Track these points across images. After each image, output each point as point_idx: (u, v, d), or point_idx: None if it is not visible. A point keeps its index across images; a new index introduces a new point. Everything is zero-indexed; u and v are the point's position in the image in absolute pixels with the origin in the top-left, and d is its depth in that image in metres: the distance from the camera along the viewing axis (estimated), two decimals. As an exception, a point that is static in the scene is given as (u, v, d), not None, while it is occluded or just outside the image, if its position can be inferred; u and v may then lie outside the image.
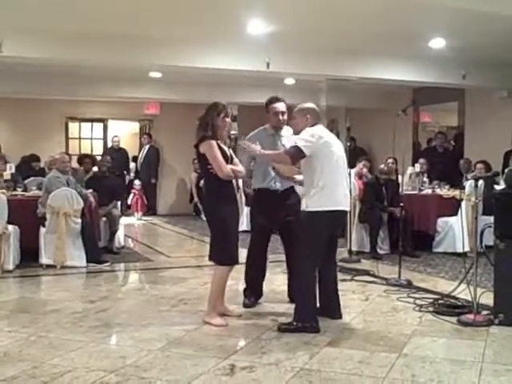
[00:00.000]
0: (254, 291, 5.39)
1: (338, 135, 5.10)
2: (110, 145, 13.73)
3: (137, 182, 13.04)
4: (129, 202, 12.84)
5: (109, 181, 8.74)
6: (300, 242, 4.60)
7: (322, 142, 4.48)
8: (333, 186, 4.48)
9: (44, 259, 6.96)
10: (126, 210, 12.44)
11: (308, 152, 4.42)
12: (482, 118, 10.67)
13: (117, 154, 12.49)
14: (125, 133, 15.97)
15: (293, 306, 4.61)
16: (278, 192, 5.21)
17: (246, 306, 5.26)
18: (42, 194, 7.31)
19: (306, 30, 7.29)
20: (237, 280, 5.85)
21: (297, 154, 4.46)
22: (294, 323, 4.46)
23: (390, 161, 8.86)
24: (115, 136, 13.57)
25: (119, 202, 8.76)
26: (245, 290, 5.42)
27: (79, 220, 7.06)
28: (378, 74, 9.07)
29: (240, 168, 4.75)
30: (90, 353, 3.96)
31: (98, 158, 10.47)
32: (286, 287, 5.48)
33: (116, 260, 7.57)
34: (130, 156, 13.88)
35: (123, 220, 8.96)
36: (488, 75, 9.37)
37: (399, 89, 10.84)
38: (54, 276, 6.63)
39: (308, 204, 4.52)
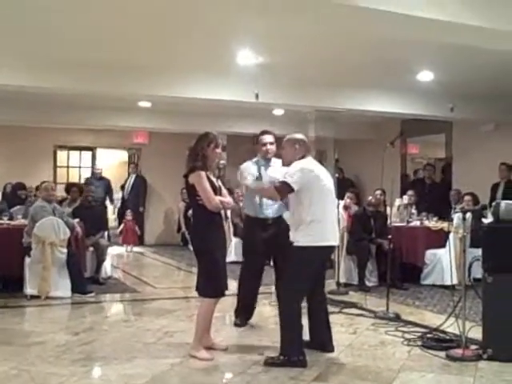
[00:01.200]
0: (245, 312, 5.62)
1: (325, 166, 5.13)
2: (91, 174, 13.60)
3: (128, 213, 12.85)
4: (118, 231, 12.68)
5: (95, 210, 8.67)
6: (286, 276, 4.57)
7: (312, 176, 4.46)
8: (321, 221, 4.43)
9: (28, 289, 6.85)
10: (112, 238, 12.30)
11: (297, 187, 4.39)
12: (469, 151, 10.76)
13: (98, 183, 12.31)
14: (113, 161, 15.98)
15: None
16: (267, 220, 5.41)
17: (236, 325, 5.54)
18: (27, 223, 7.24)
19: (295, 62, 7.35)
20: (223, 312, 5.79)
21: (285, 190, 4.44)
22: (281, 357, 4.39)
23: (378, 192, 8.86)
24: (97, 164, 13.53)
25: (106, 232, 8.68)
26: (236, 310, 5.62)
27: (65, 250, 6.98)
28: (366, 106, 9.15)
29: (228, 199, 4.75)
30: (72, 387, 3.88)
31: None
32: (275, 319, 5.43)
33: (102, 290, 7.47)
34: (117, 185, 13.80)
35: (110, 250, 8.87)
36: (475, 108, 9.47)
37: (387, 120, 10.94)
38: (38, 307, 6.52)
39: (296, 238, 4.47)
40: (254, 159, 5.68)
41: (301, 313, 4.48)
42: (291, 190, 4.41)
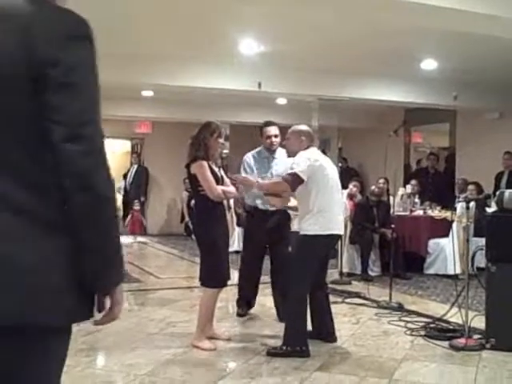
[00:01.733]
0: (247, 302, 5.65)
1: (329, 155, 5.13)
2: None
3: (136, 202, 12.78)
4: (125, 222, 12.61)
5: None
6: (292, 265, 4.53)
7: (318, 165, 4.44)
8: (328, 211, 4.43)
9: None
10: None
11: (305, 177, 4.37)
12: (473, 139, 10.71)
13: None
14: (116, 151, 15.93)
15: (283, 326, 4.55)
16: (267, 212, 5.35)
17: (239, 315, 5.58)
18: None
19: (298, 51, 7.31)
20: (226, 302, 5.80)
21: (296, 181, 4.39)
22: (284, 347, 4.39)
23: (381, 181, 8.85)
24: None
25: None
26: (238, 300, 5.65)
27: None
28: (369, 95, 9.09)
29: (231, 189, 4.73)
30: (75, 377, 3.87)
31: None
32: (274, 311, 5.49)
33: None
34: (118, 175, 13.76)
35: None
36: (479, 97, 9.41)
37: (391, 109, 10.88)
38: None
39: (303, 227, 4.46)
40: (257, 150, 5.61)
41: (306, 302, 4.46)
42: (301, 180, 4.37)
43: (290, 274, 4.52)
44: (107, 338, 4.91)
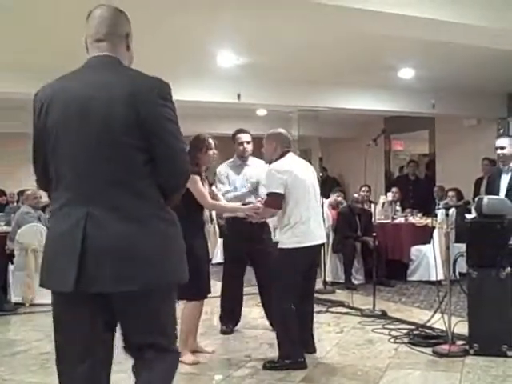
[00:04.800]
0: (231, 318, 5.45)
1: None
2: None
3: None
4: None
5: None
6: (274, 278, 4.47)
7: (292, 177, 4.35)
8: (305, 222, 4.36)
9: (13, 297, 6.79)
10: None
11: (282, 190, 4.31)
12: (452, 146, 10.81)
13: None
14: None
15: (267, 338, 4.53)
16: (248, 222, 5.13)
17: (224, 332, 5.37)
18: (11, 229, 7.18)
19: (277, 62, 7.33)
20: (210, 314, 5.77)
21: (277, 199, 4.34)
22: (280, 361, 4.35)
23: (365, 189, 8.89)
24: None
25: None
26: (221, 316, 5.48)
27: (49, 256, 6.91)
28: (348, 105, 9.14)
29: (224, 203, 4.88)
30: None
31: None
32: (261, 320, 5.45)
33: (87, 296, 7.40)
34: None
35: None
36: (457, 104, 9.51)
37: (371, 118, 10.96)
38: (22, 314, 6.47)
39: (281, 241, 4.41)
40: (230, 160, 5.57)
41: (293, 314, 4.38)
42: (281, 195, 4.32)
43: (274, 288, 4.46)
44: (90, 354, 4.85)
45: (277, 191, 4.32)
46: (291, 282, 4.37)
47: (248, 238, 5.20)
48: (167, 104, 2.20)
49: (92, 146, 2.14)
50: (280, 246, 4.41)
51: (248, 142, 5.44)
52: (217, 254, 9.18)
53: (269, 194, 4.38)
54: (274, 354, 4.50)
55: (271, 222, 5.42)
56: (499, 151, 5.63)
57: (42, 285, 2.25)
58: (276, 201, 4.35)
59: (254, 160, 5.45)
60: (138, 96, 2.13)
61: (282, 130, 4.71)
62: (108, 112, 2.12)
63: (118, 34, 2.37)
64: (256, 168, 5.34)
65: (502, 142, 5.64)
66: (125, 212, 2.14)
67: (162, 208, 2.23)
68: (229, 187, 5.35)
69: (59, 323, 2.26)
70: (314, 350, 4.70)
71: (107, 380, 2.36)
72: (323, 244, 4.88)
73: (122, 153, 2.13)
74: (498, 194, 5.61)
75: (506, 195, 5.46)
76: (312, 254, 4.58)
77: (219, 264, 8.05)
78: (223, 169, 5.50)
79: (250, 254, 5.40)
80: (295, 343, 4.38)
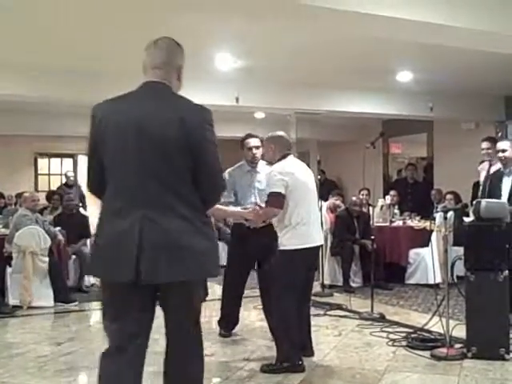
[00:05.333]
0: (229, 321, 5.43)
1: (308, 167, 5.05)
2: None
3: None
4: None
5: (76, 218, 8.59)
6: (275, 281, 4.46)
7: (293, 178, 4.38)
8: (306, 223, 4.38)
9: (10, 300, 6.78)
10: None
11: (284, 190, 4.32)
12: (450, 149, 10.82)
13: (71, 191, 11.07)
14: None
15: (264, 341, 4.53)
16: (251, 227, 5.04)
17: (222, 335, 5.37)
18: (9, 231, 7.17)
19: (275, 65, 7.34)
20: (208, 317, 5.77)
21: (280, 199, 4.33)
22: (278, 364, 4.34)
23: (364, 192, 8.90)
24: (68, 171, 12.61)
25: (88, 240, 8.60)
26: (219, 320, 5.45)
27: (46, 259, 6.92)
28: (346, 108, 9.15)
29: (225, 208, 4.80)
30: (54, 399, 3.83)
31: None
32: (259, 323, 5.45)
33: (85, 299, 7.40)
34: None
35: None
36: (454, 107, 9.52)
37: (369, 121, 10.96)
38: (20, 317, 6.45)
39: (281, 242, 4.41)
40: (237, 164, 5.43)
41: (293, 317, 4.39)
42: (283, 195, 4.32)
43: (274, 291, 4.45)
44: (87, 357, 4.85)
45: (278, 191, 4.32)
46: (291, 284, 4.37)
47: (256, 243, 5.03)
48: (210, 129, 2.62)
49: (147, 160, 2.52)
50: (280, 247, 4.41)
51: (257, 147, 5.27)
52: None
53: (271, 194, 4.37)
54: (271, 357, 4.50)
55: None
56: (500, 154, 5.65)
57: (97, 276, 2.85)
58: (278, 200, 4.34)
59: (264, 165, 5.24)
60: (187, 120, 2.54)
61: (282, 133, 4.72)
62: (162, 133, 2.51)
63: (172, 65, 2.74)
64: (265, 174, 5.05)
65: (503, 144, 5.66)
66: (175, 215, 2.52)
67: (203, 214, 2.65)
68: (232, 198, 5.19)
69: (111, 309, 2.62)
70: (311, 353, 4.68)
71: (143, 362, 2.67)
72: (321, 246, 4.88)
73: (172, 166, 2.53)
74: (499, 197, 5.63)
75: (509, 199, 5.48)
76: (311, 255, 4.59)
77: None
78: (228, 175, 5.19)
79: (259, 261, 5.29)
80: (294, 346, 4.38)
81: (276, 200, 4.34)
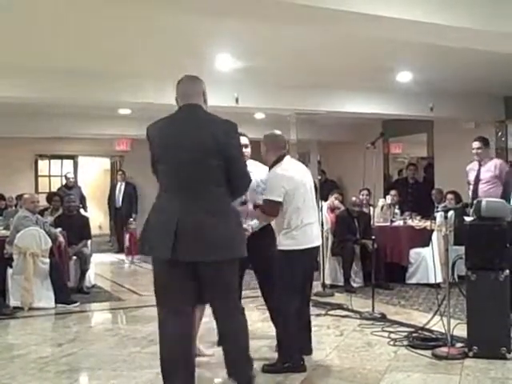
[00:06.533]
0: None
1: (307, 168, 5.03)
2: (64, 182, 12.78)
3: (131, 221, 12.56)
4: (126, 243, 12.37)
5: (77, 219, 8.59)
6: (276, 282, 4.46)
7: (294, 183, 4.38)
8: (304, 225, 4.39)
9: (11, 301, 6.78)
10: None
11: (281, 198, 4.33)
12: (450, 149, 10.80)
13: (71, 192, 11.11)
14: (96, 169, 15.87)
15: (265, 341, 4.52)
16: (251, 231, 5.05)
17: None
18: (10, 233, 7.18)
19: (274, 66, 7.34)
20: (209, 317, 5.73)
21: (275, 207, 4.34)
22: (279, 364, 4.35)
23: (364, 192, 8.90)
24: (68, 172, 12.78)
25: (89, 241, 8.61)
26: None
27: (47, 260, 6.92)
28: (346, 108, 9.15)
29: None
30: (56, 400, 3.83)
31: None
32: (260, 324, 5.46)
33: (86, 300, 7.41)
34: (96, 192, 13.55)
35: (94, 258, 8.80)
36: (454, 107, 9.51)
37: (369, 121, 10.96)
38: (21, 318, 6.45)
39: (281, 243, 4.42)
40: None
41: (295, 317, 4.39)
42: (279, 203, 4.33)
43: (276, 292, 4.46)
44: (88, 358, 4.86)
45: (276, 199, 4.32)
46: (292, 284, 4.38)
47: (250, 243, 5.01)
48: (236, 138, 3.47)
49: (188, 163, 3.27)
50: (280, 247, 4.42)
51: (246, 146, 5.27)
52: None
53: (267, 201, 4.36)
54: (272, 357, 4.51)
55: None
56: None
57: (144, 253, 3.44)
58: (273, 208, 4.36)
59: (253, 163, 5.30)
60: (218, 132, 3.31)
61: (277, 132, 4.71)
62: (199, 142, 3.28)
63: (198, 92, 3.53)
64: (256, 172, 5.15)
65: None
66: (208, 206, 3.26)
67: (230, 205, 3.43)
68: None
69: (159, 280, 3.35)
70: (310, 352, 4.69)
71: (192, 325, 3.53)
72: (319, 246, 4.84)
73: (208, 168, 3.27)
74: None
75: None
76: (311, 255, 4.60)
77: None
78: None
79: (252, 260, 5.26)
80: (295, 347, 4.38)
81: (272, 208, 4.36)
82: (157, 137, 3.42)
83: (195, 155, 3.24)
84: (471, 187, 7.31)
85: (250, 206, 4.65)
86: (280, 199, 4.31)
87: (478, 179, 7.16)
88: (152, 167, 3.51)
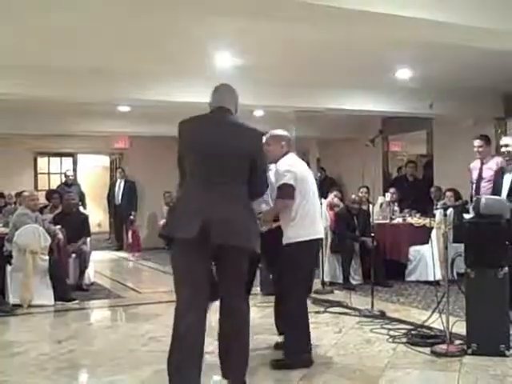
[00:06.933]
0: None
1: (308, 165, 5.05)
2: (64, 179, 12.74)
3: (132, 219, 12.50)
4: (129, 240, 12.30)
5: (76, 217, 8.59)
6: (285, 276, 4.47)
7: (299, 174, 4.45)
8: (311, 216, 4.45)
9: (11, 298, 6.78)
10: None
11: (293, 182, 4.37)
12: (450, 147, 10.80)
13: (70, 189, 11.16)
14: (95, 166, 15.88)
15: (265, 338, 4.52)
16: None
17: None
18: (9, 230, 7.18)
19: (273, 63, 7.33)
20: (208, 315, 5.74)
21: (290, 190, 4.36)
22: (287, 359, 4.38)
23: (363, 190, 8.90)
24: (68, 170, 12.81)
25: (88, 238, 8.61)
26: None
27: (46, 257, 6.92)
28: (346, 105, 9.13)
29: None
30: (55, 397, 3.83)
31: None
32: (260, 321, 5.49)
33: (85, 297, 7.41)
34: (96, 189, 13.54)
35: (93, 256, 8.80)
36: (453, 105, 9.50)
37: (368, 119, 10.94)
38: (20, 316, 6.45)
39: (288, 236, 4.42)
40: None
41: (305, 311, 4.44)
42: (293, 187, 4.37)
43: (286, 286, 4.47)
44: (88, 355, 4.86)
45: (289, 182, 4.36)
46: (300, 276, 4.43)
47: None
48: (262, 145, 3.86)
49: (217, 163, 3.53)
50: (286, 241, 4.42)
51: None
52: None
53: (281, 186, 4.39)
54: (271, 354, 4.55)
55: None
56: (503, 149, 5.66)
57: (169, 234, 3.63)
58: (288, 191, 4.37)
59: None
60: (247, 138, 3.65)
61: (285, 132, 4.77)
62: (230, 145, 3.56)
63: (229, 100, 3.84)
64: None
65: (507, 140, 5.67)
66: (231, 199, 3.52)
67: (249, 203, 3.69)
68: None
69: (180, 265, 3.62)
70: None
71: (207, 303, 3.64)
72: (322, 239, 4.91)
73: (234, 168, 3.56)
74: (500, 194, 5.63)
75: (508, 195, 5.48)
76: (315, 247, 4.67)
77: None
78: None
79: (267, 263, 5.27)
80: (304, 341, 4.41)
81: (287, 191, 4.37)
82: (190, 130, 3.67)
83: (225, 156, 3.51)
84: (473, 185, 7.31)
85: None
86: (292, 182, 4.36)
87: (480, 177, 7.16)
88: (178, 160, 3.70)
